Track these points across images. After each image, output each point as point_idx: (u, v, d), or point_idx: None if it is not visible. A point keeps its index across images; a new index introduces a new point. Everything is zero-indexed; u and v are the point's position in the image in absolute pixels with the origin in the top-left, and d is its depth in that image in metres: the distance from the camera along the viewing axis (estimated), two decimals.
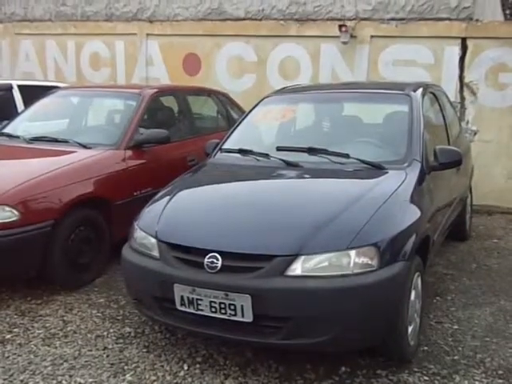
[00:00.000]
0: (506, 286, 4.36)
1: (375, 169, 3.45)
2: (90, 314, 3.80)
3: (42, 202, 3.92)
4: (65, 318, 3.71)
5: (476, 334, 3.52)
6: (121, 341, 3.41)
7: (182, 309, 2.90)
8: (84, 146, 4.65)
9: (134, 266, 3.16)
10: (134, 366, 3.11)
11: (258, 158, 3.82)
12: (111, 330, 3.55)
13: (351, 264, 2.71)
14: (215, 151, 4.16)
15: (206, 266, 2.81)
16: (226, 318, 2.78)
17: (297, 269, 2.70)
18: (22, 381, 2.95)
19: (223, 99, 6.61)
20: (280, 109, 4.43)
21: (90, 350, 3.29)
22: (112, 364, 3.13)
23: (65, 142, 4.76)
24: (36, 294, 4.09)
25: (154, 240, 3.08)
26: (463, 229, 5.44)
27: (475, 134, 6.71)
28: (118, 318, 3.74)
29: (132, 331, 3.54)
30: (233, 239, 2.87)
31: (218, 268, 2.78)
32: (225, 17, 7.99)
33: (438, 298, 4.09)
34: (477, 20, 6.52)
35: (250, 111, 4.48)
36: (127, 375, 3.02)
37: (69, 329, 3.56)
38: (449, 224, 4.49)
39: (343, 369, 3.06)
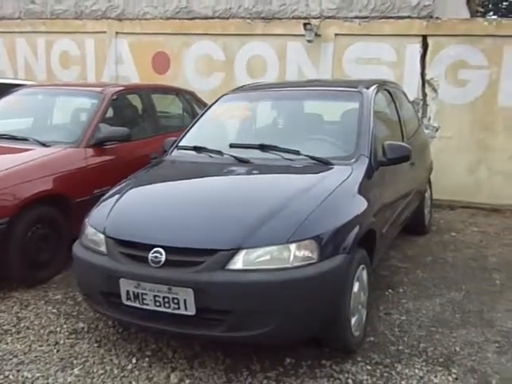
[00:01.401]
0: (458, 278, 4.47)
1: (323, 164, 3.53)
2: (45, 310, 3.82)
3: None
4: (19, 315, 3.74)
5: (422, 325, 3.61)
6: (73, 336, 3.45)
7: (128, 303, 2.95)
8: (43, 144, 4.67)
9: (83, 262, 3.20)
10: (83, 360, 3.15)
11: (211, 154, 3.88)
12: (65, 326, 3.59)
13: (291, 257, 2.78)
14: (171, 148, 4.21)
15: (150, 261, 2.85)
16: (170, 311, 2.84)
17: (238, 262, 2.76)
18: None
19: (189, 97, 6.65)
20: (237, 106, 4.51)
21: (41, 346, 3.32)
22: (61, 359, 3.17)
23: (24, 140, 4.76)
24: None
25: (102, 236, 3.12)
26: (422, 223, 5.55)
27: (437, 130, 6.84)
28: (74, 313, 3.77)
29: (85, 326, 3.58)
30: (176, 234, 2.92)
31: (162, 262, 2.83)
32: (193, 15, 8.03)
33: (389, 290, 4.19)
34: (437, 18, 6.64)
35: (208, 109, 4.54)
36: (75, 369, 3.06)
37: (22, 325, 3.59)
38: (404, 218, 4.59)
39: (288, 360, 3.13)
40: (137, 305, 2.92)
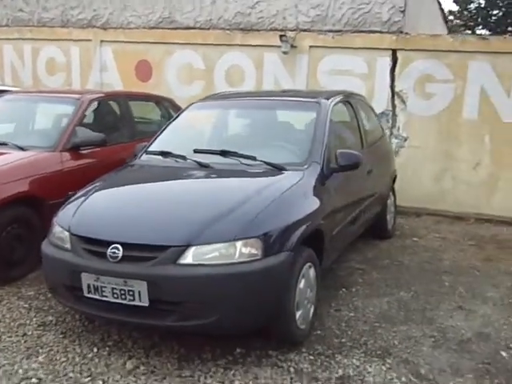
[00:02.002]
0: (410, 279, 4.74)
1: (276, 170, 3.80)
2: (17, 305, 4.05)
3: None
4: None
5: (368, 321, 3.88)
6: (41, 328, 3.69)
7: (90, 296, 3.20)
8: (21, 148, 4.91)
9: (50, 258, 3.45)
10: (48, 349, 3.39)
11: (176, 159, 4.14)
12: (34, 319, 3.82)
13: (237, 254, 3.04)
14: (141, 153, 4.47)
15: (108, 256, 3.11)
16: (126, 303, 3.09)
17: (188, 258, 3.02)
18: None
19: (167, 104, 6.91)
20: (204, 114, 4.79)
21: (10, 337, 3.55)
22: (28, 348, 3.41)
23: (3, 144, 5.00)
24: None
25: (67, 233, 3.38)
26: (384, 228, 5.82)
27: (405, 140, 7.14)
28: (44, 308, 4.01)
29: (54, 319, 3.82)
30: (133, 232, 3.18)
31: (119, 258, 3.09)
32: (175, 26, 8.31)
33: (343, 289, 4.45)
34: (406, 33, 6.95)
35: (177, 116, 4.82)
36: (40, 357, 3.30)
37: None
38: (361, 222, 4.86)
39: (238, 350, 3.38)
40: (97, 297, 3.17)
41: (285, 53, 7.36)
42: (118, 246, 3.11)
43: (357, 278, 4.73)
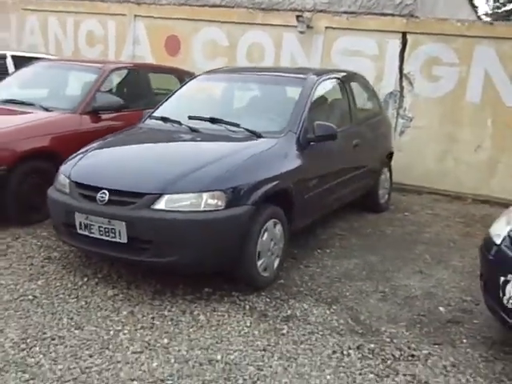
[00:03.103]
0: (385, 246, 5.13)
1: (254, 136, 4.27)
2: (30, 242, 4.70)
3: None
4: (9, 244, 4.62)
5: (330, 276, 4.33)
6: (46, 261, 4.32)
7: (81, 232, 3.79)
8: (46, 109, 5.54)
9: (53, 201, 4.05)
10: (47, 276, 4.01)
11: (172, 124, 4.67)
12: (42, 254, 4.46)
13: (203, 204, 3.55)
14: (145, 117, 5.01)
15: (97, 200, 3.68)
16: (109, 239, 3.66)
17: (161, 204, 3.55)
18: None
19: (187, 77, 7.41)
20: (204, 85, 5.29)
21: (19, 265, 4.20)
22: (31, 274, 4.04)
23: (31, 104, 5.65)
24: None
25: (67, 180, 3.97)
26: (375, 202, 6.18)
27: (411, 120, 7.42)
28: (53, 246, 4.63)
29: (58, 255, 4.44)
30: (118, 180, 3.74)
31: (106, 201, 3.65)
32: (203, 3, 8.78)
33: (319, 250, 4.90)
34: (416, 17, 7.18)
35: (181, 86, 5.33)
36: (39, 281, 3.92)
37: (9, 251, 4.48)
38: (344, 192, 5.25)
39: (206, 289, 3.90)
40: (86, 233, 3.76)
41: (301, 32, 7.73)
42: (106, 191, 3.67)
43: (335, 242, 5.16)
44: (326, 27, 7.68)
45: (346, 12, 7.59)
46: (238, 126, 4.38)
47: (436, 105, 7.21)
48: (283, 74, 5.28)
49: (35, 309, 3.51)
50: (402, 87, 7.41)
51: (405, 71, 7.33)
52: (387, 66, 7.41)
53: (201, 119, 4.56)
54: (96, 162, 4.08)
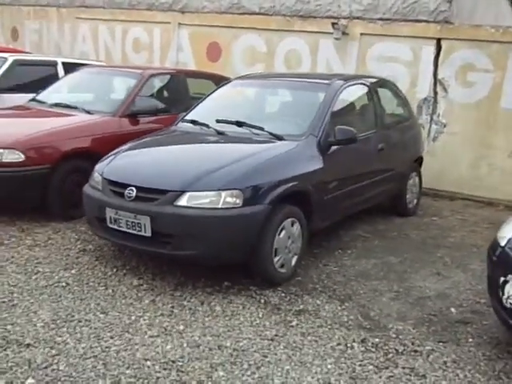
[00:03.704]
0: (407, 248, 5.22)
1: (276, 139, 4.48)
2: (69, 235, 5.06)
3: (42, 150, 5.21)
4: (50, 236, 5.01)
5: (347, 274, 4.48)
6: (81, 252, 4.66)
7: (111, 226, 4.09)
8: (88, 112, 5.94)
9: (87, 197, 4.39)
10: (80, 266, 4.34)
11: (201, 127, 4.94)
12: (78, 246, 4.80)
13: (221, 201, 3.79)
14: (178, 120, 5.31)
15: (125, 196, 3.98)
16: (136, 233, 3.94)
17: (182, 201, 3.81)
18: (2, 267, 4.25)
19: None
20: (234, 90, 5.54)
21: (57, 255, 4.55)
22: (67, 263, 4.38)
23: (75, 108, 6.07)
24: (37, 219, 5.39)
25: (100, 177, 4.29)
26: (403, 206, 6.25)
27: (444, 126, 7.44)
28: (89, 240, 4.97)
29: (93, 248, 4.78)
30: (145, 177, 4.02)
31: (133, 197, 3.94)
32: (243, 11, 9.06)
33: (340, 250, 5.05)
34: (450, 23, 7.21)
35: (213, 91, 5.59)
36: (73, 270, 4.25)
37: (49, 242, 4.85)
38: (368, 195, 5.38)
39: (226, 283, 4.13)
40: (115, 227, 4.06)
41: (336, 39, 7.89)
42: (133, 188, 3.96)
43: (357, 243, 5.29)
44: (361, 34, 7.81)
45: (381, 19, 7.69)
46: (262, 129, 4.60)
47: (470, 111, 7.21)
48: (309, 80, 5.47)
49: (66, 294, 3.83)
50: (436, 93, 7.44)
51: (439, 77, 7.37)
52: (421, 71, 7.46)
53: (227, 122, 4.81)
54: (126, 162, 4.39)
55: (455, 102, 7.33)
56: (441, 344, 3.44)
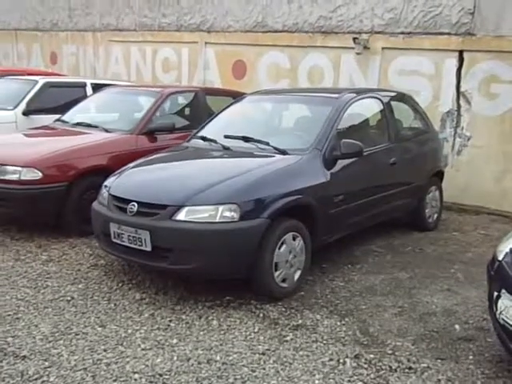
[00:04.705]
0: (420, 264, 5.09)
1: (280, 153, 4.49)
2: (83, 251, 5.19)
3: (59, 168, 5.39)
4: (65, 251, 5.15)
5: (352, 290, 4.40)
6: (92, 267, 4.76)
7: (115, 241, 4.18)
8: (106, 130, 6.12)
9: (95, 212, 4.50)
10: (88, 281, 4.44)
11: (210, 142, 5.00)
12: (90, 261, 4.92)
13: (218, 215, 3.82)
14: (190, 137, 5.40)
15: (128, 211, 4.06)
16: (137, 247, 4.01)
17: (181, 215, 3.86)
18: (14, 281, 4.39)
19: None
20: (245, 106, 5.60)
21: (67, 270, 4.67)
22: (75, 278, 4.49)
23: (95, 127, 6.26)
24: (55, 236, 5.55)
25: (107, 193, 4.40)
26: (421, 220, 6.11)
27: (469, 139, 7.26)
28: (102, 255, 5.07)
29: (104, 263, 4.88)
30: (146, 193, 4.11)
31: (134, 212, 4.02)
32: (267, 29, 9.16)
33: (349, 265, 4.97)
34: (472, 34, 7.07)
35: (226, 108, 5.66)
36: (80, 285, 4.36)
37: (63, 257, 4.99)
38: (380, 210, 5.29)
39: (227, 297, 4.14)
40: (119, 242, 4.14)
41: (358, 54, 7.86)
42: (135, 203, 4.04)
43: (369, 258, 5.20)
44: (383, 48, 7.75)
45: (402, 33, 7.62)
46: (267, 144, 4.63)
47: (495, 123, 7.01)
48: (318, 94, 5.46)
49: (69, 308, 3.93)
50: (459, 106, 7.29)
51: (462, 89, 7.22)
52: (444, 84, 7.33)
53: (234, 138, 4.85)
54: (131, 178, 4.49)
55: (479, 115, 7.15)
56: (438, 361, 3.33)
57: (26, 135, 6.40)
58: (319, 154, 4.50)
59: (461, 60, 7.18)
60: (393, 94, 5.93)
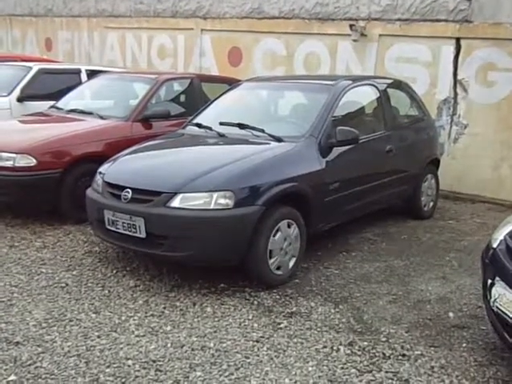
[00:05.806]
0: (416, 252, 5.09)
1: (275, 140, 4.46)
2: (78, 238, 5.17)
3: (53, 154, 5.35)
4: (60, 238, 5.13)
5: (347, 277, 4.40)
6: (86, 254, 4.75)
7: (109, 227, 4.16)
8: (101, 117, 6.07)
9: (89, 199, 4.48)
10: (82, 267, 4.42)
11: (205, 129, 4.97)
12: (85, 248, 4.90)
13: (213, 202, 3.80)
14: (185, 124, 5.36)
15: (122, 198, 4.04)
16: (131, 234, 4.00)
17: (175, 202, 3.84)
18: (8, 268, 4.37)
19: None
20: (240, 93, 5.55)
21: (62, 257, 4.66)
22: (70, 265, 4.48)
23: (90, 113, 6.21)
24: (50, 222, 5.52)
25: (101, 180, 4.37)
26: (417, 208, 6.11)
27: (465, 127, 7.23)
28: (96, 242, 5.05)
29: (98, 250, 4.87)
30: (140, 180, 4.08)
31: (129, 199, 4.00)
32: (263, 15, 9.08)
33: (344, 253, 4.97)
34: (469, 21, 7.02)
35: (221, 95, 5.62)
36: (74, 271, 4.34)
37: (57, 244, 4.97)
38: (375, 197, 5.28)
39: (222, 285, 4.13)
40: (113, 229, 4.12)
41: (355, 41, 7.81)
42: (129, 190, 4.02)
43: (364, 246, 5.20)
44: (380, 35, 7.70)
45: (399, 19, 7.56)
46: (262, 131, 4.60)
47: (491, 111, 6.99)
48: (313, 82, 5.42)
49: (64, 294, 3.92)
50: (456, 94, 7.26)
51: (459, 77, 7.18)
52: (441, 72, 7.29)
53: (229, 125, 4.82)
54: (125, 165, 4.46)
55: (476, 103, 7.12)
56: (432, 349, 3.34)
57: (21, 122, 6.35)
58: (315, 141, 4.47)
59: (458, 47, 7.14)
60: (389, 81, 5.89)
